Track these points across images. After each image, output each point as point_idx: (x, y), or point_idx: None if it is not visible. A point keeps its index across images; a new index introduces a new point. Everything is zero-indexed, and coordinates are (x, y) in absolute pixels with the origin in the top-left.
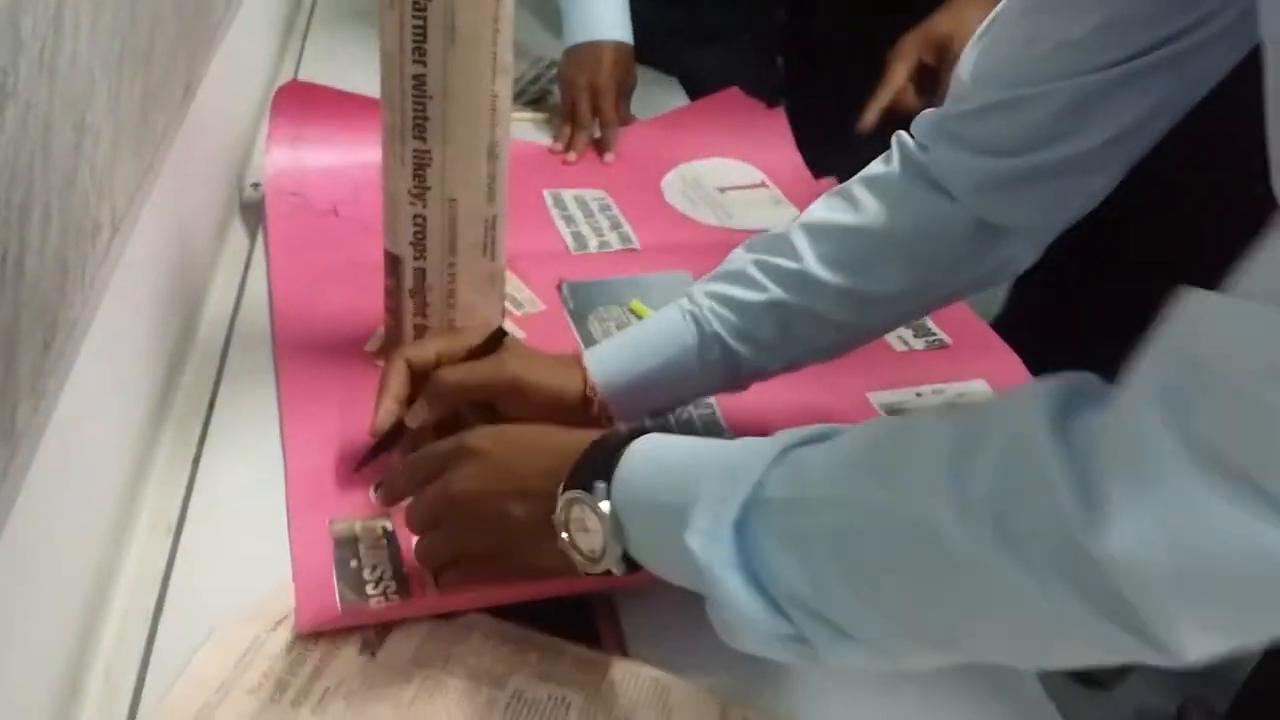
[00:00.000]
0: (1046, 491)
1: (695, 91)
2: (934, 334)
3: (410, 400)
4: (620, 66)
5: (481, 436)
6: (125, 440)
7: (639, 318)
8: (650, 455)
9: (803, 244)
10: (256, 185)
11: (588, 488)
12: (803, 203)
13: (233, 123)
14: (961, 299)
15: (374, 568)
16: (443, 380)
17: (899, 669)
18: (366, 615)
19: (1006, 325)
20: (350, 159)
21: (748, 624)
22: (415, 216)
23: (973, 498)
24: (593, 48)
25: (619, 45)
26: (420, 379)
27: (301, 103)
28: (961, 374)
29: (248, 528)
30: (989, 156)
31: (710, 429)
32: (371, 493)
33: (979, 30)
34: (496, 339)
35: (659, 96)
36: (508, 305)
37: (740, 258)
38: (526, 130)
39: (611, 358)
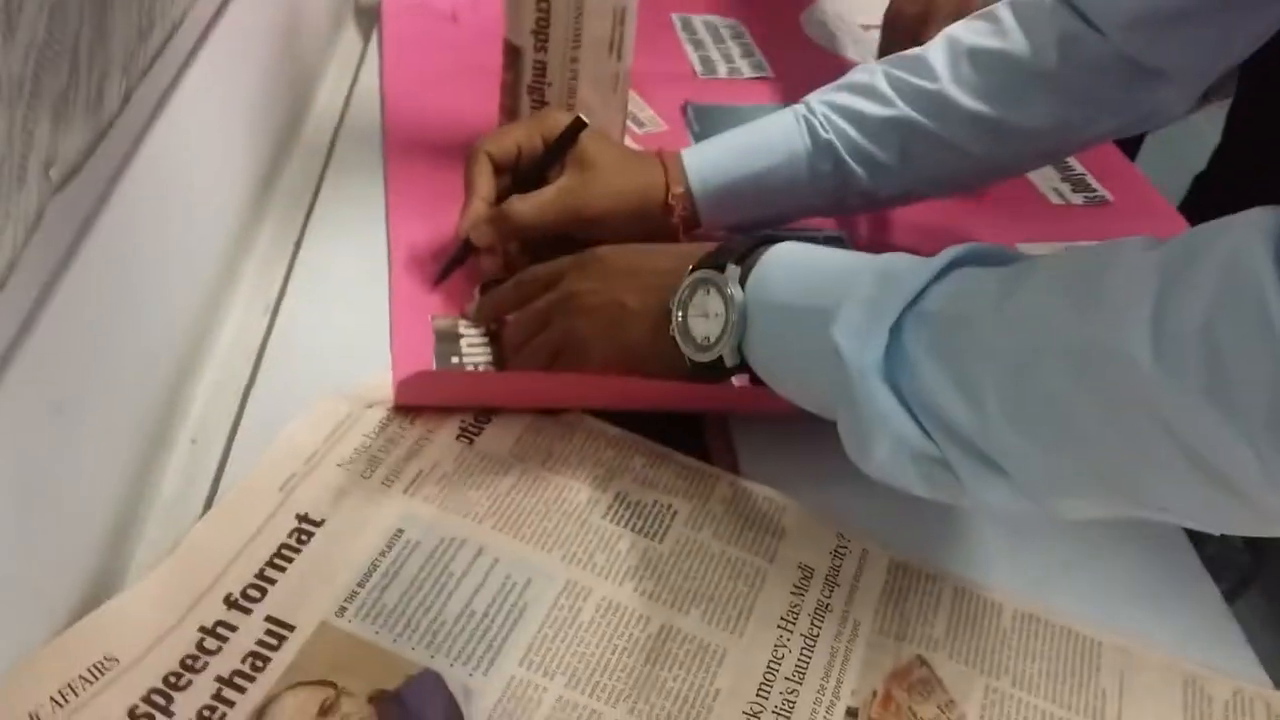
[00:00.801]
0: (1262, 326)
1: None
2: (1094, 189)
3: (499, 197)
4: None
5: (605, 248)
6: (229, 205)
7: None
8: (795, 258)
9: (941, 63)
10: None
11: (719, 268)
12: None
13: None
14: (1105, 142)
15: (475, 366)
16: (510, 217)
17: (1050, 515)
18: (468, 382)
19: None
20: None
21: (889, 435)
22: (539, 2)
23: (1180, 331)
24: None
25: None
26: (503, 172)
27: None
28: (1120, 232)
29: (347, 314)
30: None
31: None
32: (474, 301)
33: None
34: (574, 130)
35: None
36: (628, 123)
37: (868, 69)
38: None
39: (711, 156)
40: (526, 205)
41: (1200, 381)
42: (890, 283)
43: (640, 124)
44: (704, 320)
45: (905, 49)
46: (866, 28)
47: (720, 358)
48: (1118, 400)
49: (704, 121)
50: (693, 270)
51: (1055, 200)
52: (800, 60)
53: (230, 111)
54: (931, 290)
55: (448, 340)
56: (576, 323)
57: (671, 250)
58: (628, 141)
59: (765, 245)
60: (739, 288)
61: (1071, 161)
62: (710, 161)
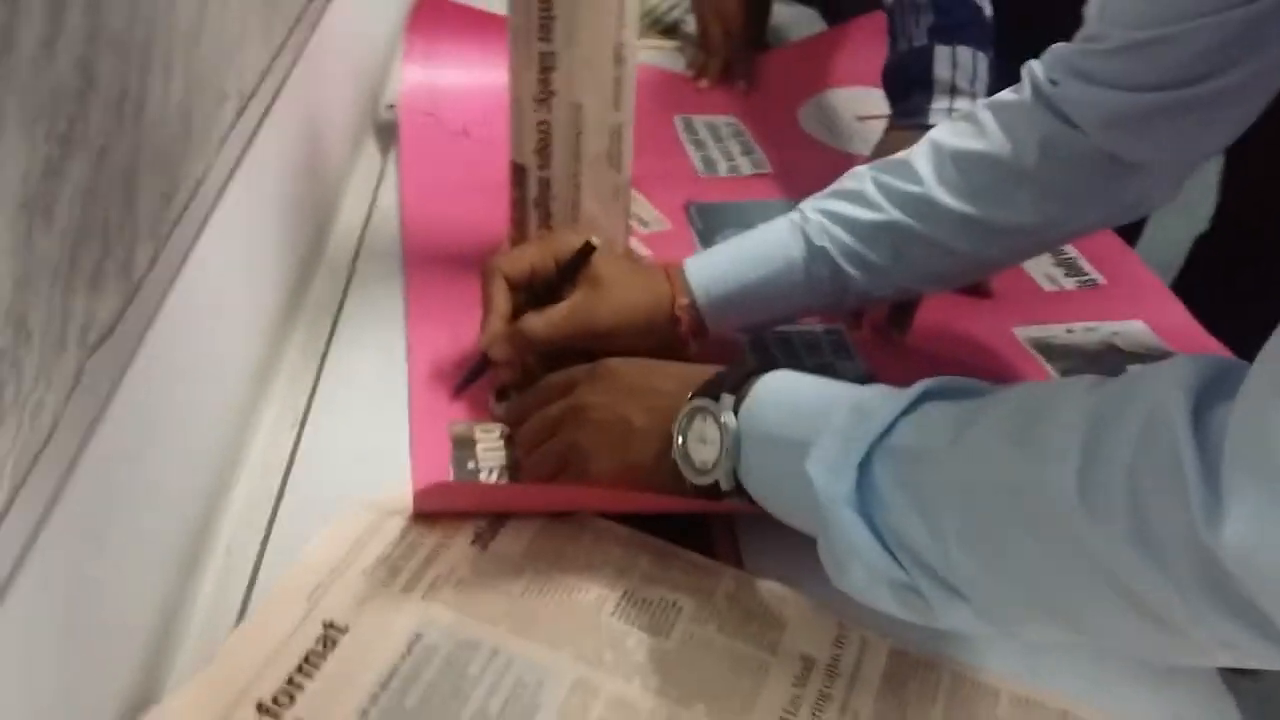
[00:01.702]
0: (1177, 479)
1: (834, 23)
2: (1085, 273)
3: (514, 314)
4: None
5: (618, 360)
6: (255, 329)
7: None
8: (782, 387)
9: (925, 167)
10: (391, 106)
11: (715, 397)
12: None
13: (369, 41)
14: (1092, 234)
15: (490, 471)
16: (525, 333)
17: (1012, 638)
18: (480, 493)
19: (1180, 290)
20: (484, 80)
21: (861, 562)
22: (540, 123)
23: (1103, 473)
24: None
25: None
26: (517, 290)
27: (437, 21)
28: (1115, 314)
29: (370, 425)
30: (1124, 91)
31: (838, 351)
32: (492, 402)
33: None
34: (586, 252)
35: (796, 26)
36: (633, 223)
37: (857, 175)
38: (658, 58)
39: (712, 266)
40: (541, 322)
41: (1124, 525)
42: (862, 417)
43: (645, 223)
44: (702, 446)
45: None
46: (863, 119)
47: (717, 482)
48: (1052, 537)
49: (706, 219)
50: (692, 397)
51: (1048, 287)
52: (798, 155)
53: (257, 242)
54: (899, 425)
55: (464, 446)
56: (583, 435)
57: (677, 372)
58: (633, 243)
59: (759, 374)
60: (733, 416)
61: (1064, 246)
62: (711, 272)
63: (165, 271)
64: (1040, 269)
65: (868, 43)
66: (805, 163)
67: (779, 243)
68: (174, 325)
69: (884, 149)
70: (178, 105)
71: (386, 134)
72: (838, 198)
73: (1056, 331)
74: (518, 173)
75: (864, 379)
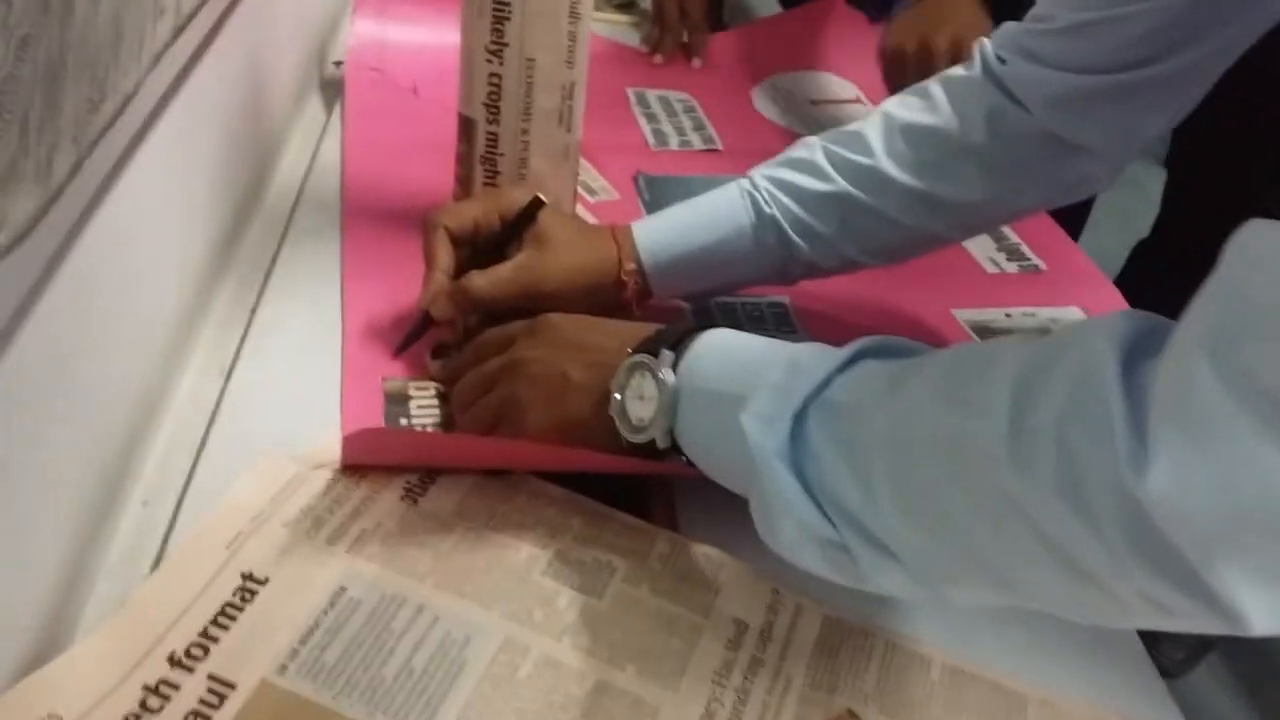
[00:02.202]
0: (1105, 431)
1: (790, 6)
2: (1027, 258)
3: (457, 270)
4: None
5: (557, 315)
6: (186, 268)
7: None
8: (721, 345)
9: (876, 139)
10: (339, 63)
11: (654, 354)
12: None
13: None
14: (1035, 213)
15: (424, 427)
16: (468, 292)
17: (943, 601)
18: (413, 443)
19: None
20: (436, 38)
21: (792, 518)
22: (491, 75)
23: (1032, 425)
24: None
25: None
26: (460, 246)
27: None
28: (1055, 300)
29: (300, 378)
30: (1069, 73)
31: (781, 324)
32: (428, 360)
33: None
34: (533, 209)
35: (753, 5)
36: (581, 191)
37: (808, 145)
38: (613, 31)
39: (660, 230)
40: (485, 281)
41: (1052, 477)
42: (798, 372)
43: (593, 192)
44: (639, 402)
45: (911, 83)
46: (815, 103)
47: (654, 439)
48: (982, 492)
49: (654, 191)
50: (633, 353)
51: (990, 269)
52: (750, 134)
53: (191, 179)
54: (835, 380)
55: (398, 402)
56: (520, 389)
57: (617, 329)
58: (580, 210)
59: (699, 331)
60: (671, 372)
61: (1006, 231)
62: (659, 236)
63: (88, 182)
64: (984, 252)
65: (823, 27)
66: (756, 142)
67: (728, 209)
68: (96, 244)
69: (899, 25)
70: (109, 7)
71: (332, 91)
72: (788, 166)
73: (995, 315)
74: (466, 126)
75: None
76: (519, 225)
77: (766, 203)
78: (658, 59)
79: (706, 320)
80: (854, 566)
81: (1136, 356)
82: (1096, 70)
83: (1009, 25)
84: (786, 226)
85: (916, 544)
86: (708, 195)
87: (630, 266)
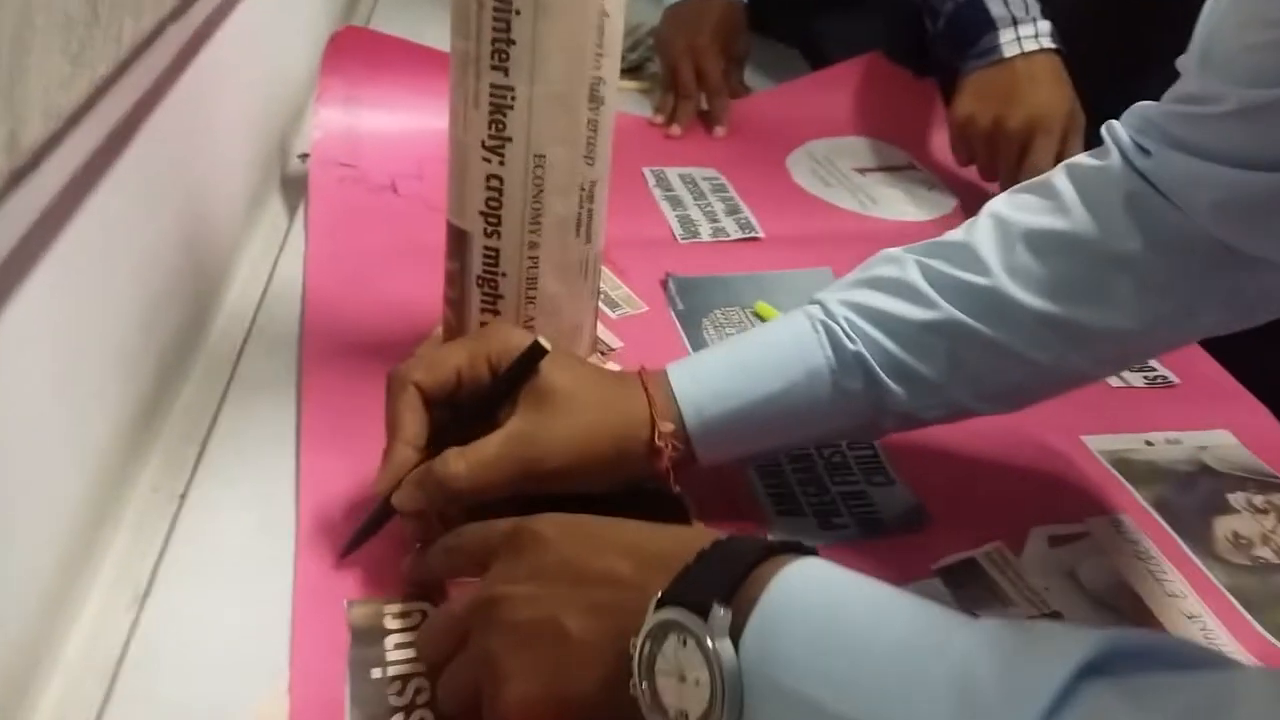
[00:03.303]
0: None
1: (817, 65)
2: (1155, 369)
3: (432, 442)
4: (728, 25)
5: (549, 522)
6: (86, 456)
7: None
8: (815, 603)
9: (989, 251)
10: (304, 156)
11: (699, 609)
12: (963, 191)
13: (279, 74)
14: (1204, 337)
15: (405, 681)
16: (442, 480)
17: None
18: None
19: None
20: (418, 125)
21: None
22: (489, 178)
23: None
24: (696, 4)
25: (728, 2)
26: (438, 405)
27: (361, 54)
28: (1196, 421)
29: (237, 603)
30: (1244, 170)
31: (872, 472)
32: (406, 564)
33: (1206, 6)
34: (531, 357)
35: (778, 69)
36: (600, 305)
37: (895, 260)
38: (622, 101)
39: (707, 377)
40: (465, 465)
41: None
42: (978, 713)
43: (614, 304)
44: (680, 686)
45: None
46: (862, 171)
47: None
48: None
49: (688, 296)
50: (662, 599)
51: (1116, 383)
52: (794, 215)
53: (91, 330)
54: None
55: (368, 640)
56: (497, 643)
57: (635, 539)
58: (600, 330)
59: (767, 562)
60: (729, 645)
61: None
62: (707, 385)
63: None
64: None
65: (862, 86)
66: (803, 224)
67: (795, 347)
68: None
69: (971, 90)
70: None
71: (296, 191)
72: (871, 288)
73: (1134, 444)
74: (457, 240)
75: (911, 508)
76: (513, 381)
77: (849, 337)
78: (675, 130)
79: (774, 482)
80: None
81: None
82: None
83: (1146, 107)
84: (877, 367)
85: None
86: (765, 329)
87: (668, 427)
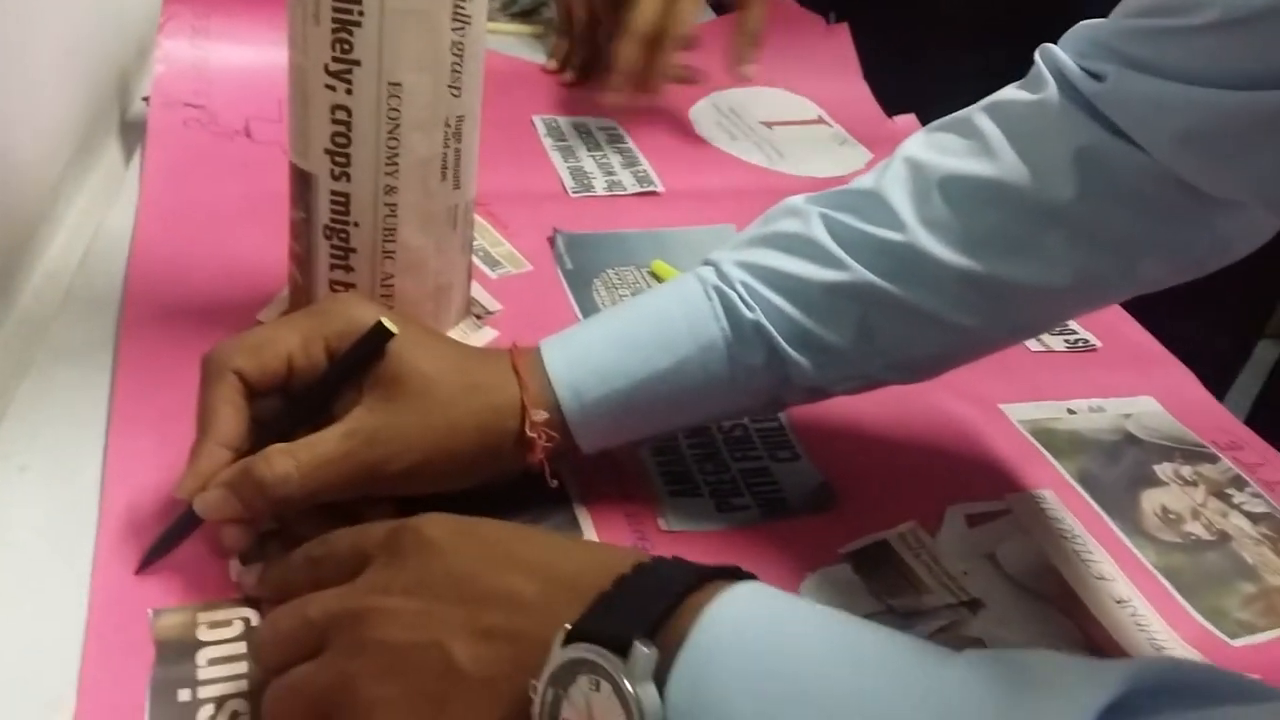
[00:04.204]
0: None
1: (723, 10)
2: (1076, 332)
3: (254, 439)
4: None
5: (437, 523)
6: None
7: None
8: (761, 640)
9: (903, 201)
10: (148, 99)
11: (617, 645)
12: (875, 145)
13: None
14: (1138, 294)
15: (219, 703)
16: (262, 484)
17: None
18: None
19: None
20: (276, 60)
21: None
22: (335, 109)
23: None
24: None
25: None
26: (264, 395)
27: None
28: (1120, 387)
29: (19, 613)
30: (1218, 90)
31: (777, 447)
32: (234, 565)
33: None
34: (374, 340)
35: None
36: (477, 262)
37: (798, 211)
38: (513, 45)
39: (585, 354)
40: (293, 465)
41: None
42: None
43: (495, 263)
44: None
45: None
46: (770, 125)
47: None
48: None
49: (578, 255)
50: (571, 633)
51: (1035, 346)
52: (695, 168)
53: None
54: None
55: (176, 656)
56: (358, 667)
57: (541, 552)
58: (476, 291)
59: (699, 590)
60: (653, 690)
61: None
62: (587, 364)
63: None
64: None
65: (774, 33)
66: (706, 177)
67: (685, 317)
68: None
69: None
70: None
71: (138, 135)
72: (771, 246)
73: (1056, 412)
74: (301, 183)
75: (818, 486)
76: (352, 367)
77: (746, 304)
78: (568, 76)
79: (672, 462)
80: None
81: None
82: (1266, 84)
83: (1095, 25)
84: (779, 338)
85: None
86: (650, 295)
87: (540, 416)
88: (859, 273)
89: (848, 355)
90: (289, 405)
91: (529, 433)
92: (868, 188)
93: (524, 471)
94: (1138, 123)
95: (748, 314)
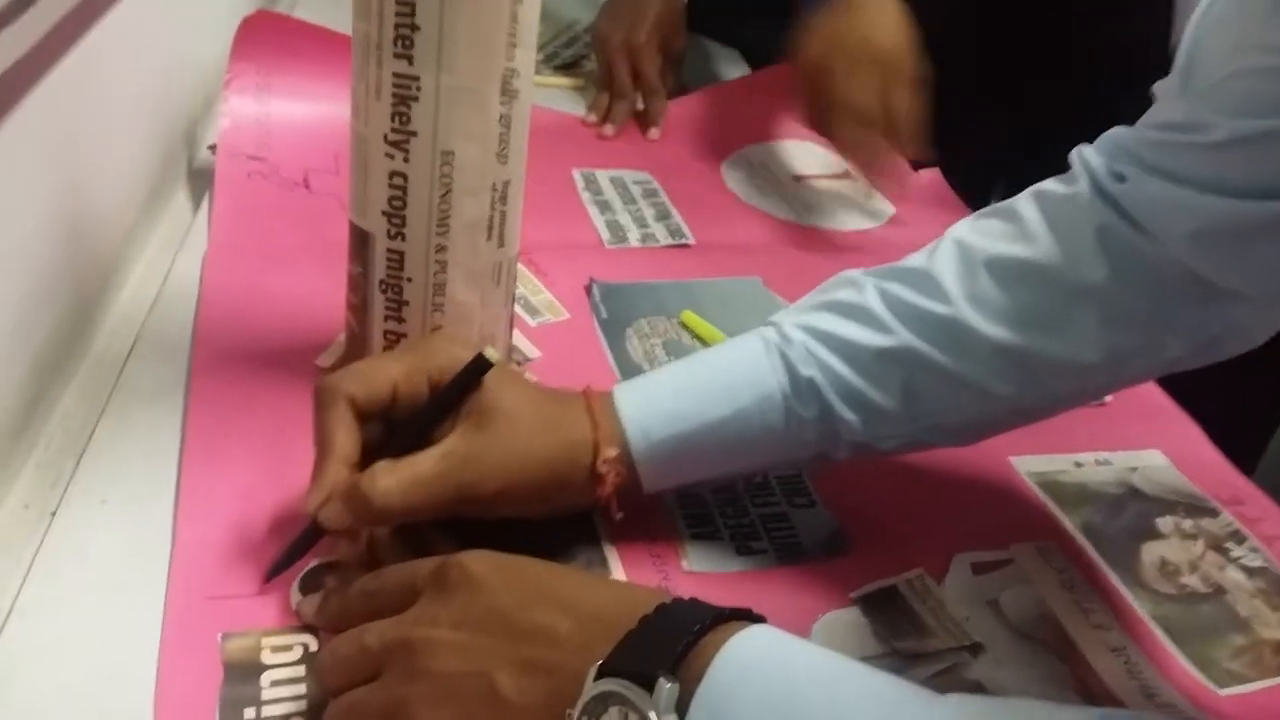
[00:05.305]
0: None
1: (759, 65)
2: None
3: (364, 456)
4: (666, 23)
5: (480, 560)
6: None
7: (694, 334)
8: (771, 677)
9: (950, 278)
10: (214, 148)
11: (643, 680)
12: (899, 199)
13: (186, 59)
14: (1169, 373)
15: None
16: (370, 501)
17: None
18: None
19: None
20: (334, 116)
21: None
22: (393, 175)
23: None
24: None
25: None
26: (372, 420)
27: (275, 40)
28: (1127, 440)
29: (101, 632)
30: (1227, 198)
31: (794, 495)
32: (294, 592)
33: (1192, 20)
34: (475, 371)
35: (716, 69)
36: (518, 310)
37: (854, 283)
38: (554, 99)
39: (655, 398)
40: (395, 482)
41: None
42: None
43: (534, 311)
44: None
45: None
46: (799, 179)
47: None
48: None
49: (613, 303)
50: (602, 668)
51: None
52: (726, 223)
53: None
54: None
55: (243, 677)
56: (413, 693)
57: (576, 592)
58: (517, 338)
59: (715, 630)
60: (673, 718)
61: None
62: (655, 408)
63: None
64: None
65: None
66: (734, 232)
67: (750, 369)
68: None
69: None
70: None
71: (204, 184)
72: (828, 311)
73: (1063, 465)
74: (360, 241)
75: (832, 533)
76: (454, 396)
77: (803, 361)
78: (608, 130)
79: (694, 506)
80: None
81: None
82: (1266, 195)
83: (1122, 133)
84: (831, 393)
85: None
86: (717, 350)
87: (611, 453)
88: (906, 338)
89: (892, 415)
90: (392, 430)
91: (599, 468)
92: (919, 266)
93: (592, 505)
94: (1154, 219)
95: (804, 371)
